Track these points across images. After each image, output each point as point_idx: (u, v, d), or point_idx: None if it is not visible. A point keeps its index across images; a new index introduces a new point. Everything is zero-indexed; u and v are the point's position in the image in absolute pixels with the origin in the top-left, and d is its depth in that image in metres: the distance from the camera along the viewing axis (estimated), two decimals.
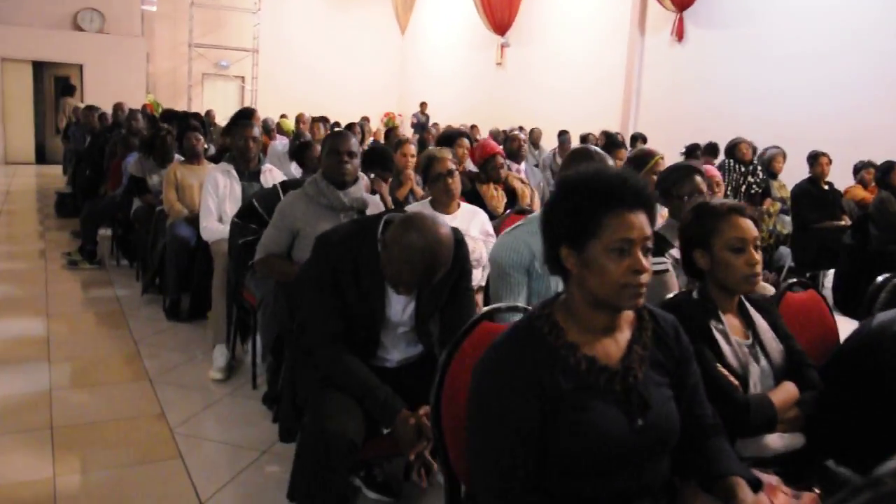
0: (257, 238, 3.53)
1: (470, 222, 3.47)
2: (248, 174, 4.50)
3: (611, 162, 2.58)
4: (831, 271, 6.65)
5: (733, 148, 7.54)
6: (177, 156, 5.78)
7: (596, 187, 1.49)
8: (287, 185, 3.54)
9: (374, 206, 3.24)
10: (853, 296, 6.19)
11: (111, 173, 6.59)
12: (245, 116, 6.45)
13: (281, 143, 7.17)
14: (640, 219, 1.46)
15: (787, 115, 9.87)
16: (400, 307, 2.22)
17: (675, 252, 2.99)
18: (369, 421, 2.13)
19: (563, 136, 10.31)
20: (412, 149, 5.17)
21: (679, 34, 11.68)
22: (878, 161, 7.24)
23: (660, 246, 2.97)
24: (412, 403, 2.13)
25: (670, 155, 9.25)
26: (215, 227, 4.36)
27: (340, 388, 2.14)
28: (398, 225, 2.02)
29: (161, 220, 5.25)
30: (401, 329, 2.26)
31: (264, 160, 4.61)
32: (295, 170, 5.96)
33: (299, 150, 4.77)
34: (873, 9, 9.18)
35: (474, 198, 4.60)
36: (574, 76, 13.98)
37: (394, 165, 5.22)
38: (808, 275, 6.43)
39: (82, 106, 11.06)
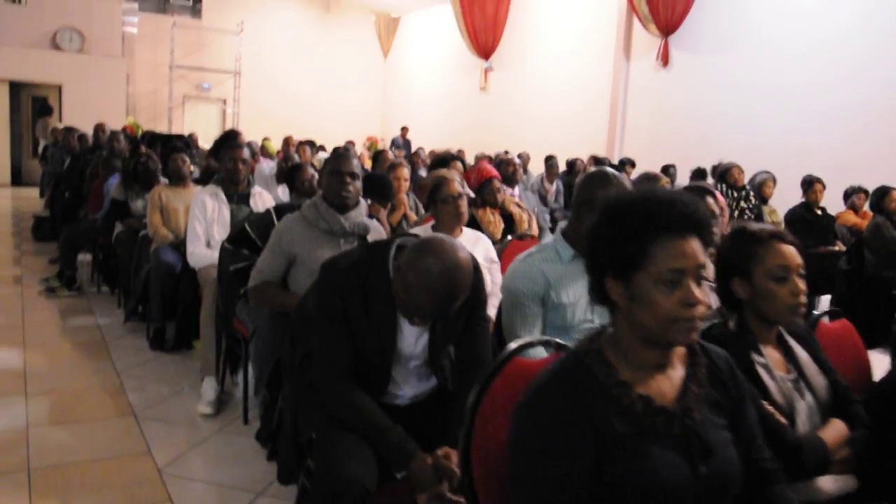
0: (250, 265, 3.37)
1: (474, 248, 3.32)
2: (237, 197, 4.35)
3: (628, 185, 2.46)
4: (826, 297, 6.59)
5: (725, 172, 7.50)
6: (161, 178, 5.61)
7: (641, 212, 1.36)
8: (281, 210, 3.38)
9: (376, 231, 3.09)
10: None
11: (91, 196, 6.38)
12: (232, 138, 6.29)
13: (268, 166, 7.02)
14: (693, 246, 1.34)
15: (774, 143, 9.92)
16: (412, 339, 2.07)
17: None
18: (381, 464, 1.96)
19: (549, 160, 10.23)
20: (405, 172, 5.03)
21: (664, 59, 11.73)
22: (868, 187, 7.27)
23: None
24: (426, 443, 1.98)
25: (684, 179, 9.23)
26: (203, 252, 4.19)
27: (350, 429, 1.98)
28: (414, 249, 1.88)
29: (145, 245, 5.06)
30: (413, 363, 2.10)
31: (253, 182, 4.45)
32: (282, 193, 5.81)
33: (290, 173, 4.62)
34: (862, 39, 9.27)
35: (471, 223, 4.47)
36: (559, 100, 13.99)
37: (390, 192, 5.10)
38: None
39: (61, 126, 10.83)
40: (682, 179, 9.76)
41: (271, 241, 2.92)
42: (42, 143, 12.28)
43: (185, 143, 6.78)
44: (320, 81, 19.15)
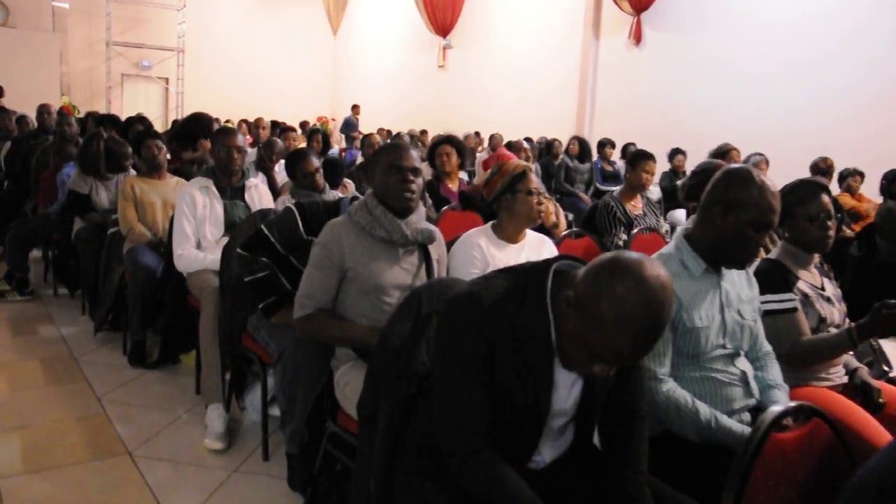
0: (268, 276, 2.84)
1: (541, 253, 2.87)
2: (231, 191, 3.78)
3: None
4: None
5: (724, 155, 7.18)
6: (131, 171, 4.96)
7: None
8: (305, 209, 2.85)
9: (441, 240, 2.60)
10: (862, 308, 5.97)
11: (42, 187, 5.64)
12: (203, 121, 5.65)
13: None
14: None
15: (754, 125, 9.71)
16: (566, 391, 1.59)
17: (805, 285, 2.50)
18: None
19: (527, 142, 9.82)
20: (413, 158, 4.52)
21: (637, 37, 11.42)
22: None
23: (785, 278, 2.47)
24: None
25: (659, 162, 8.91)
26: (193, 255, 3.61)
27: None
28: (599, 272, 1.38)
29: (115, 244, 4.43)
30: (559, 420, 1.63)
31: (248, 173, 3.88)
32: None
33: (292, 161, 4.04)
34: (847, 16, 9.10)
35: (490, 217, 4.01)
36: (523, 80, 13.57)
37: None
38: None
39: None
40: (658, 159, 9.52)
41: (316, 255, 2.38)
42: None
43: (147, 128, 6.08)
44: (268, 59, 18.28)
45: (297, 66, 19.01)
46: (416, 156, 2.45)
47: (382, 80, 17.83)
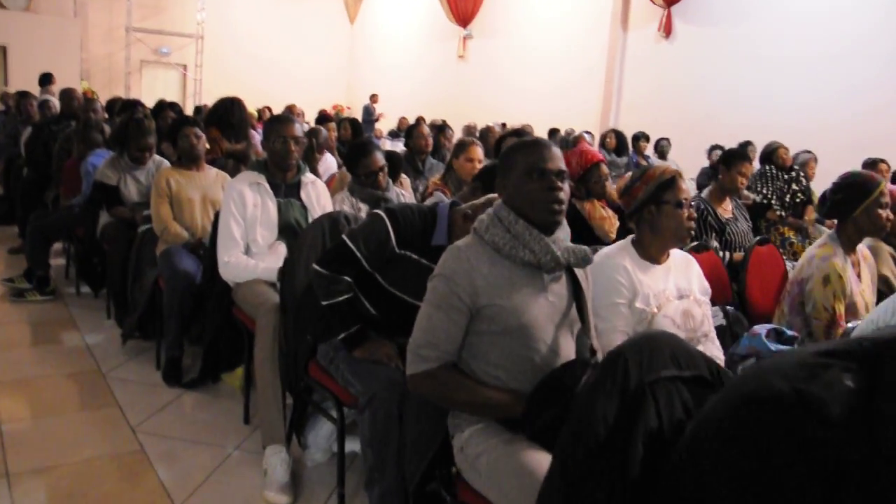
0: (349, 300, 2.21)
1: (689, 276, 2.23)
2: (286, 188, 3.12)
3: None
4: None
5: (771, 154, 6.58)
6: (158, 158, 4.30)
7: None
8: (398, 217, 2.20)
9: (601, 264, 1.97)
10: None
11: (65, 177, 4.97)
12: (236, 105, 4.96)
13: None
14: None
15: (787, 119, 9.04)
16: None
17: None
18: None
19: (553, 135, 9.15)
20: (479, 152, 3.88)
21: (667, 30, 10.72)
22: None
23: None
24: None
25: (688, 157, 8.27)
26: (242, 262, 2.97)
27: None
28: None
29: (147, 244, 3.79)
30: None
31: (304, 168, 3.22)
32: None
33: (353, 156, 3.35)
34: (877, 10, 8.44)
35: (574, 219, 3.36)
36: (546, 72, 12.85)
37: (453, 175, 3.94)
38: None
39: (11, 91, 9.15)
40: (679, 155, 8.88)
41: (438, 291, 1.72)
42: None
43: (179, 113, 5.40)
44: (285, 47, 17.52)
45: (314, 55, 18.26)
46: (559, 155, 1.79)
47: (400, 69, 17.08)
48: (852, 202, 2.72)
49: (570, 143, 9.12)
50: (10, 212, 6.60)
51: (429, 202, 2.94)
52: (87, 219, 4.43)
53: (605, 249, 2.20)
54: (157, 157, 4.30)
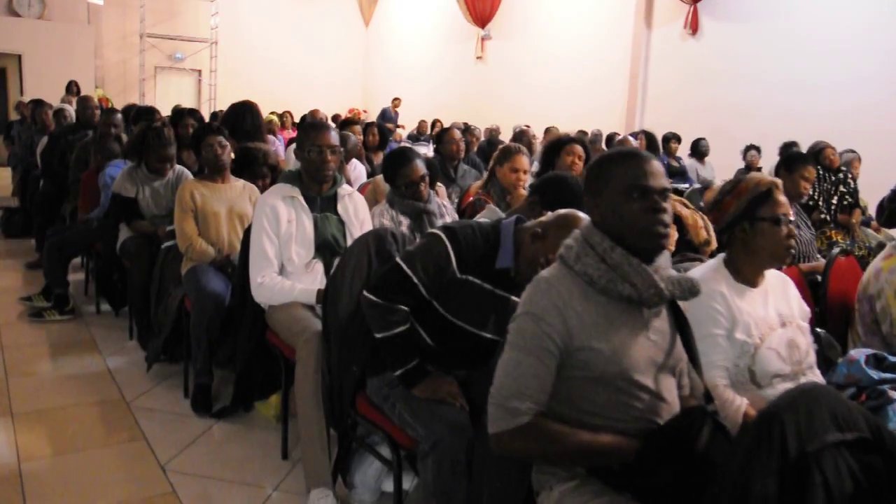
0: (408, 332, 1.97)
1: (788, 299, 1.98)
2: (321, 201, 2.89)
3: None
4: None
5: (818, 154, 6.28)
6: (179, 168, 4.09)
7: None
8: (459, 237, 1.95)
9: (707, 295, 1.72)
10: None
11: (82, 189, 4.77)
12: (251, 111, 4.74)
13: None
14: None
15: (820, 116, 8.70)
16: None
17: None
18: None
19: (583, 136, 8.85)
20: (526, 162, 3.62)
21: (693, 26, 10.40)
22: None
23: None
24: None
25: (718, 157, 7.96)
26: (277, 283, 2.73)
27: None
28: None
29: (171, 262, 3.57)
30: None
31: (340, 180, 2.98)
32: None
33: (392, 165, 3.11)
34: None
35: None
36: (567, 71, 12.54)
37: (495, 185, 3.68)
38: None
39: (26, 100, 8.99)
40: (710, 156, 8.58)
41: (525, 332, 1.46)
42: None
43: (199, 120, 5.18)
44: (299, 50, 17.29)
45: (329, 58, 18.03)
46: (661, 169, 1.53)
47: (417, 71, 16.82)
48: None
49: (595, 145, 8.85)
50: (28, 224, 6.43)
51: (482, 217, 2.70)
52: (105, 233, 4.22)
53: (694, 272, 1.94)
54: (178, 166, 4.10)
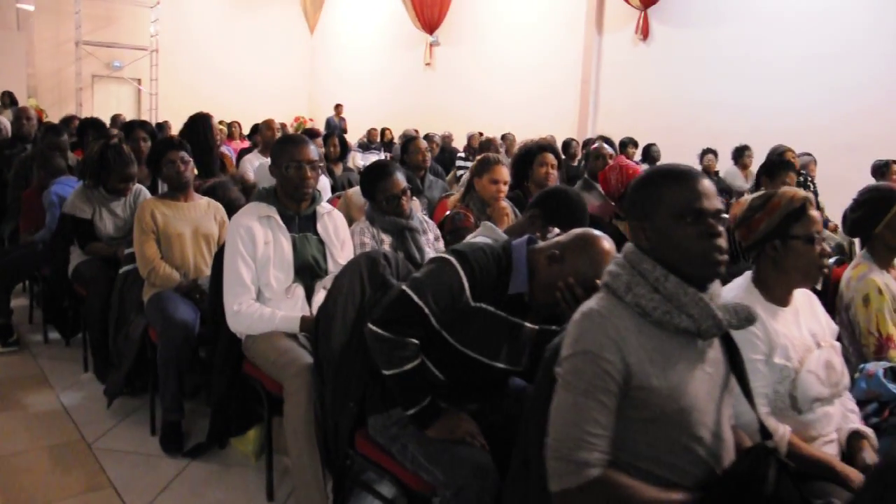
0: (419, 368, 1.81)
1: (817, 316, 1.88)
2: (300, 221, 2.69)
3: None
4: None
5: (781, 157, 6.35)
6: (137, 187, 3.81)
7: None
8: (471, 263, 1.80)
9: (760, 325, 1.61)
10: None
11: (24, 208, 4.42)
12: (202, 120, 4.52)
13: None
14: None
15: (771, 122, 8.88)
16: None
17: None
18: None
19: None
20: (506, 173, 3.48)
21: (644, 32, 10.52)
22: None
23: None
24: None
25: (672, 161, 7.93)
26: (256, 311, 2.52)
27: None
28: None
29: (130, 287, 3.30)
30: None
31: (319, 197, 2.78)
32: None
33: (370, 179, 2.92)
34: (866, 11, 8.35)
35: (620, 245, 2.99)
36: (519, 78, 12.55)
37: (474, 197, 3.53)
38: None
39: None
40: (663, 160, 8.64)
41: (581, 374, 1.30)
42: None
43: (151, 133, 4.87)
44: (243, 58, 16.89)
45: (274, 66, 17.66)
46: (713, 189, 1.41)
47: (365, 78, 16.60)
48: (872, 218, 2.46)
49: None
50: None
51: (478, 236, 2.54)
52: (54, 256, 3.90)
53: (727, 291, 1.83)
54: (136, 185, 3.82)
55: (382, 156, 11.48)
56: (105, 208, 3.67)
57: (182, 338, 2.84)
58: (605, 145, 4.31)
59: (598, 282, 1.77)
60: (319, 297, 2.65)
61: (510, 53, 12.77)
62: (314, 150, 2.67)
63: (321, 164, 2.78)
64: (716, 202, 1.37)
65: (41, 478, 2.63)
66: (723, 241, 1.35)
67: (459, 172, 9.22)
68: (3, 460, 2.75)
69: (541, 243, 1.92)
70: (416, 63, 15.08)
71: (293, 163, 2.58)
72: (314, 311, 2.59)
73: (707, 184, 1.39)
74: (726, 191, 7.36)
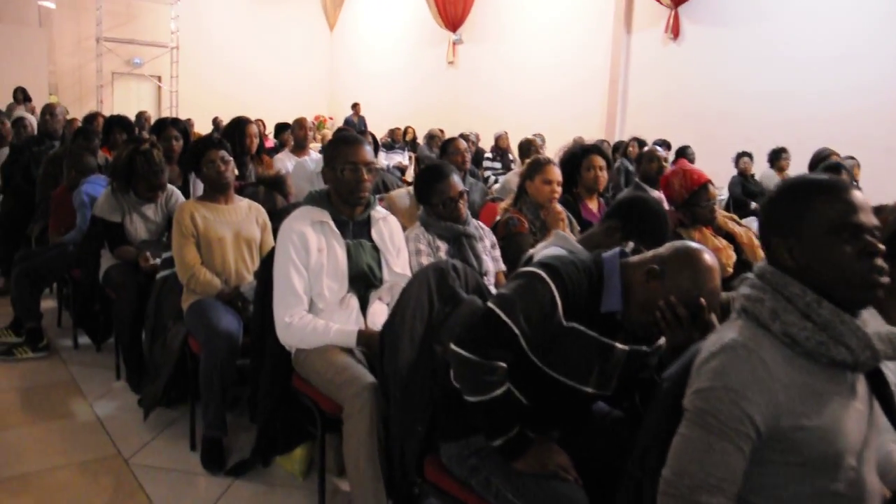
0: (507, 395, 1.64)
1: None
2: (354, 226, 2.53)
3: None
4: None
5: (823, 160, 6.14)
6: (170, 188, 3.68)
7: None
8: (563, 278, 1.63)
9: None
10: None
11: (53, 208, 4.31)
12: (243, 124, 4.40)
13: (312, 159, 4.83)
14: None
15: (798, 120, 8.65)
16: None
17: None
18: None
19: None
20: (558, 173, 3.31)
21: (675, 31, 10.29)
22: None
23: None
24: None
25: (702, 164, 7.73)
26: (310, 325, 2.36)
27: None
28: None
29: (169, 293, 3.15)
30: None
31: (374, 201, 2.63)
32: None
33: (426, 181, 2.75)
34: (890, 10, 8.11)
35: None
36: (544, 76, 12.35)
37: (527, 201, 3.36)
38: None
39: None
40: (703, 163, 8.43)
41: (717, 412, 1.13)
42: None
43: (183, 132, 4.74)
44: (263, 55, 16.78)
45: (293, 63, 17.54)
46: (868, 202, 1.24)
47: (385, 77, 16.45)
48: None
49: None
50: None
51: (550, 246, 2.36)
52: (86, 259, 3.77)
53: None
54: (168, 186, 3.68)
55: (407, 156, 11.32)
56: (136, 212, 3.53)
57: (227, 349, 2.69)
58: (658, 148, 4.13)
59: (702, 301, 1.62)
60: (374, 308, 2.50)
61: (535, 52, 12.57)
62: (370, 151, 2.51)
63: (379, 168, 2.61)
64: (873, 217, 1.21)
65: (78, 496, 2.49)
66: (882, 262, 1.19)
67: (486, 173, 9.08)
68: (38, 476, 2.61)
69: (634, 257, 1.76)
70: (438, 61, 14.91)
71: (349, 164, 2.42)
72: (369, 324, 2.45)
73: (861, 196, 1.22)
74: (762, 194, 7.15)
